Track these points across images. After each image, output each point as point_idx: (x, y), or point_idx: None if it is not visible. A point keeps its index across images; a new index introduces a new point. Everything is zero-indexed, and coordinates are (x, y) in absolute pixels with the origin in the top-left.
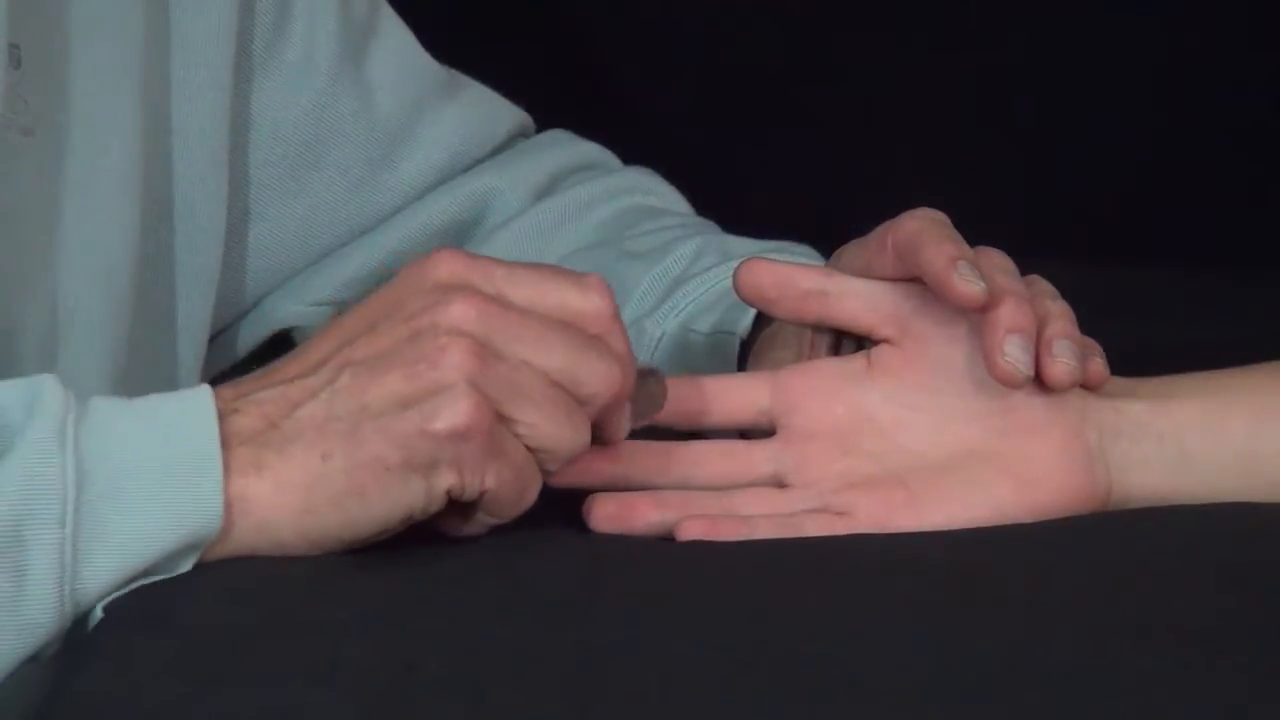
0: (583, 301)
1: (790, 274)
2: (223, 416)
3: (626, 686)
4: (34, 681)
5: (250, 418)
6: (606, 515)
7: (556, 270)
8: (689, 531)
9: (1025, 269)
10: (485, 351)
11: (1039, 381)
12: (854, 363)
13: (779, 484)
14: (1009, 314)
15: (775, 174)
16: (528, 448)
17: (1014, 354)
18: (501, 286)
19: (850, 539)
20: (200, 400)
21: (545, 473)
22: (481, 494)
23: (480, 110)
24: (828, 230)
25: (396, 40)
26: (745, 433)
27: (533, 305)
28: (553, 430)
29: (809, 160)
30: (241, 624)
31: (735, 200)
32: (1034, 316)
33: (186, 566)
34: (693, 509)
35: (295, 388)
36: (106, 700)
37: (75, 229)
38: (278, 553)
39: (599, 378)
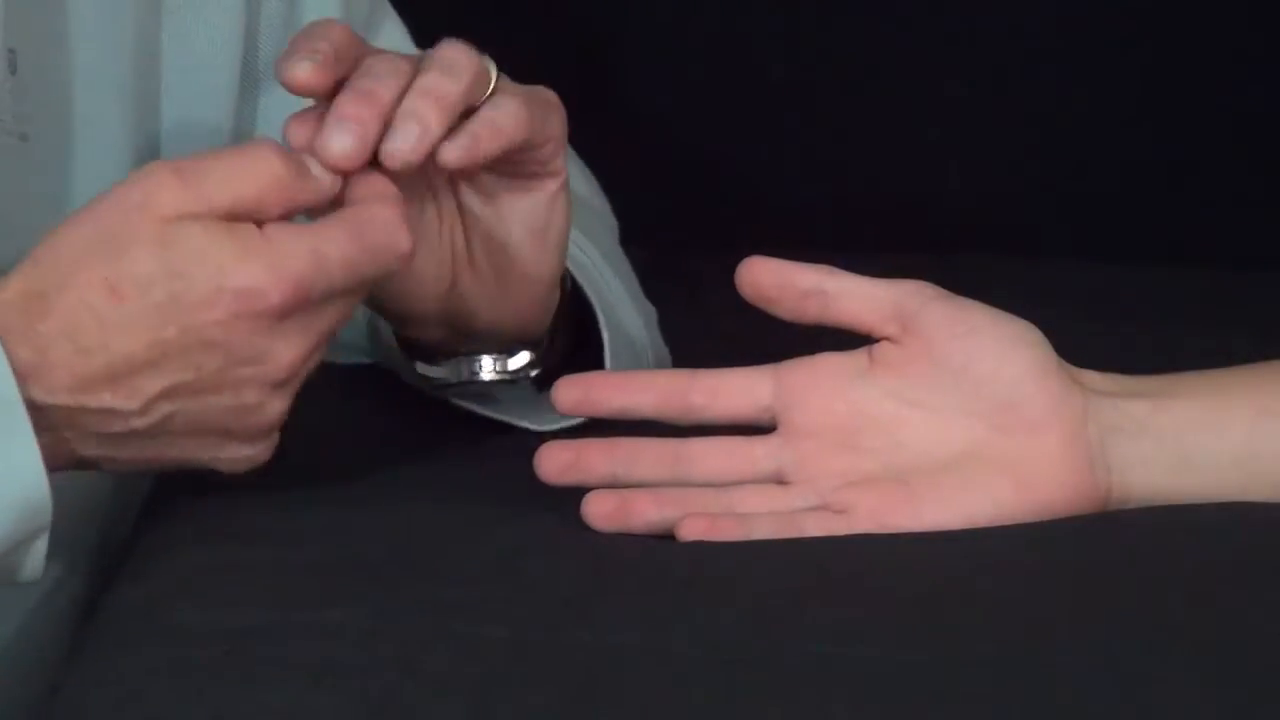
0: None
1: (791, 273)
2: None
3: (627, 686)
4: (34, 682)
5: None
6: (605, 513)
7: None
8: (690, 531)
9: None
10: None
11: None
12: (857, 359)
13: (779, 480)
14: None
15: (776, 174)
16: None
17: (330, 138)
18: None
19: (850, 539)
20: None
21: None
22: None
23: None
24: (829, 229)
25: (395, 40)
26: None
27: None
28: None
29: (810, 160)
30: (241, 625)
31: (736, 200)
32: (373, 100)
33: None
34: (692, 506)
35: (112, 419)
36: (106, 700)
37: None
38: None
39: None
